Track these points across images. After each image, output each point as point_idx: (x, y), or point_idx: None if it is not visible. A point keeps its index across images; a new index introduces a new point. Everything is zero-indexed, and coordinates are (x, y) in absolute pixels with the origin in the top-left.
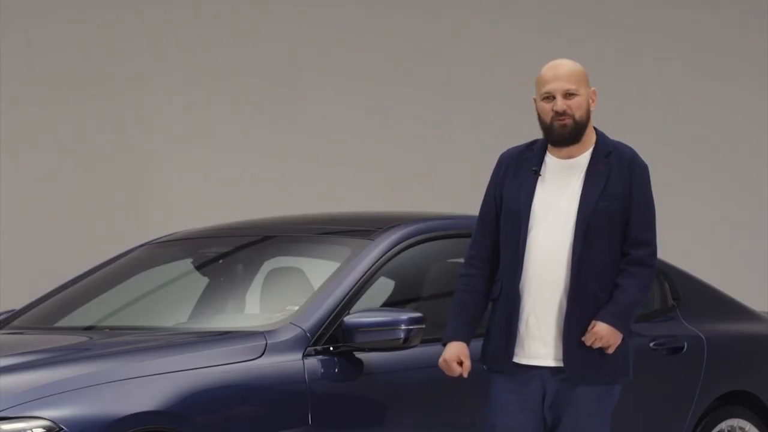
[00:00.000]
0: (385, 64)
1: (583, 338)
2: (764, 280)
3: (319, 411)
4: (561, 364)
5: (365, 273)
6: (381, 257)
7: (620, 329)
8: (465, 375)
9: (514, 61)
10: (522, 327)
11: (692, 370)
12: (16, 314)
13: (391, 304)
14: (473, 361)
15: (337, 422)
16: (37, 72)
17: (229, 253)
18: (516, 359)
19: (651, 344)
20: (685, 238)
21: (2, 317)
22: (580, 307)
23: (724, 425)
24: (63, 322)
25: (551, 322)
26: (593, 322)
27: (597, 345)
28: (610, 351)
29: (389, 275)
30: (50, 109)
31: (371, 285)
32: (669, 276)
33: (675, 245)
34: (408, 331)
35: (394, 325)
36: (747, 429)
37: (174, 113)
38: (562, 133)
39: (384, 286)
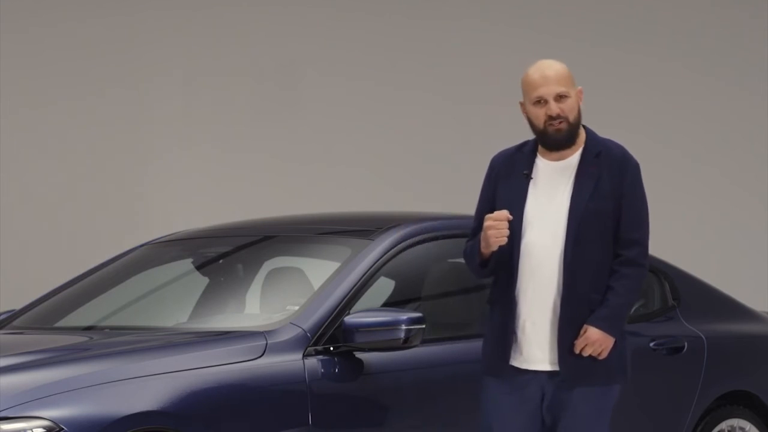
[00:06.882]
0: (385, 64)
1: (575, 343)
2: (764, 280)
3: (319, 411)
4: (557, 368)
5: (365, 273)
6: (381, 257)
7: (611, 333)
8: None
9: (515, 62)
10: (519, 332)
11: (692, 370)
12: (16, 314)
13: (391, 304)
14: (473, 361)
15: (337, 422)
16: (37, 72)
17: (229, 253)
18: (515, 363)
19: (651, 344)
20: (685, 238)
21: (2, 317)
22: (573, 309)
23: (724, 425)
24: (63, 322)
25: (547, 326)
26: (584, 326)
27: (588, 351)
28: (603, 356)
29: (389, 275)
30: (50, 109)
31: (371, 285)
32: (669, 276)
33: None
34: (408, 331)
35: (394, 325)
36: (747, 429)
37: (174, 113)
38: (557, 138)
39: (384, 286)
